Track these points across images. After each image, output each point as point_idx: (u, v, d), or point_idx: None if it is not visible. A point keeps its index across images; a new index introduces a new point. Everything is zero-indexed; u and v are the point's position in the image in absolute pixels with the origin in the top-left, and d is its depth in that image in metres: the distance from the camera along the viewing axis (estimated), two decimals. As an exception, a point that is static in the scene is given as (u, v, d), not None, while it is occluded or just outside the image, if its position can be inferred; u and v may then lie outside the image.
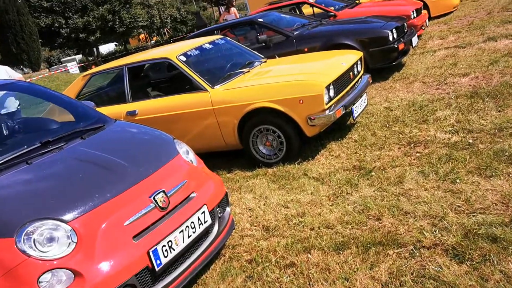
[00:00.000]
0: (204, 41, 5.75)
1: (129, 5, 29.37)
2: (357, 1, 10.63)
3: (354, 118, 5.03)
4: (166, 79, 6.21)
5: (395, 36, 6.87)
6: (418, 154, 4.18)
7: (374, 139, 4.83)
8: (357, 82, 5.43)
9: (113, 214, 2.68)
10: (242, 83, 5.02)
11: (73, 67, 40.29)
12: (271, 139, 4.90)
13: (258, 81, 5.00)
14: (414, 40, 7.26)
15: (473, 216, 3.03)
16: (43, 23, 26.59)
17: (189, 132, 5.21)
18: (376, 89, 6.63)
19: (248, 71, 5.37)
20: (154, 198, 2.84)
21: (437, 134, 4.49)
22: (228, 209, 3.46)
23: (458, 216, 3.09)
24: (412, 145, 4.44)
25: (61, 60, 48.74)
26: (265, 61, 5.81)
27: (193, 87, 5.13)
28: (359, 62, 5.54)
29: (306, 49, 7.08)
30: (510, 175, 3.40)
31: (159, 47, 7.24)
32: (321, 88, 4.52)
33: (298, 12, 10.79)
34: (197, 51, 5.51)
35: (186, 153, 3.41)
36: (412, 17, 8.98)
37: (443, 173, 3.69)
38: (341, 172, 4.27)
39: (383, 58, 6.81)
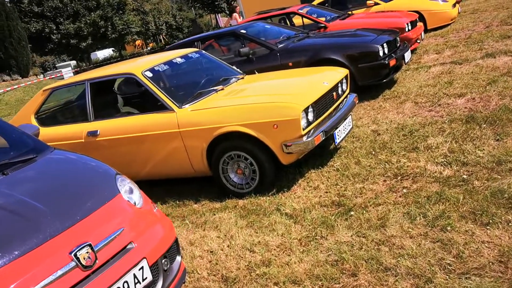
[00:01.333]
0: (175, 55, 5.24)
1: (122, 11, 28.90)
2: (350, 12, 10.16)
3: (336, 144, 4.52)
4: (132, 97, 5.70)
5: (386, 51, 6.38)
6: (405, 190, 3.67)
7: (357, 168, 4.32)
8: (341, 103, 4.94)
9: (21, 277, 2.16)
10: (212, 103, 4.52)
11: (68, 73, 39.72)
12: (243, 167, 4.39)
13: (230, 101, 4.50)
14: (407, 55, 6.78)
15: (466, 278, 2.51)
16: (33, 28, 26.09)
17: (154, 156, 4.71)
18: (364, 108, 6.13)
19: (222, 89, 4.87)
20: (75, 255, 2.32)
21: (427, 165, 3.98)
22: (178, 258, 2.94)
23: (448, 277, 2.57)
24: (399, 177, 3.93)
25: (56, 65, 48.38)
26: (243, 78, 5.32)
27: (159, 107, 4.63)
28: (344, 81, 5.05)
29: (290, 64, 6.59)
30: (510, 224, 2.89)
31: (128, 60, 6.73)
32: (298, 112, 4.01)
33: (288, 23, 10.34)
34: (166, 66, 5.00)
35: (128, 192, 2.89)
36: (407, 30, 8.51)
37: (432, 217, 3.18)
38: (317, 209, 3.76)
39: (372, 74, 6.32)
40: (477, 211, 3.08)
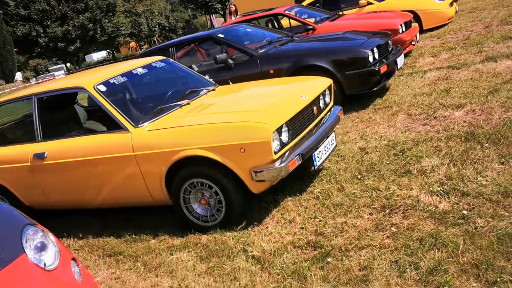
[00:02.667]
0: (135, 64, 4.63)
1: (112, 13, 28.22)
2: (340, 13, 9.56)
3: (316, 167, 3.91)
4: (85, 114, 5.09)
5: (376, 57, 5.77)
6: (393, 229, 3.06)
7: (340, 196, 3.71)
8: (324, 118, 4.34)
9: None
10: (173, 122, 3.91)
11: (61, 76, 39.18)
12: (207, 196, 3.78)
13: (192, 119, 3.89)
14: (400, 60, 6.17)
15: None
16: (19, 31, 25.43)
17: (108, 182, 4.11)
18: (352, 121, 5.52)
19: (188, 104, 4.27)
20: None
21: (421, 195, 3.37)
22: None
23: None
24: (387, 210, 3.32)
25: (49, 69, 47.81)
26: (214, 89, 4.71)
27: (113, 125, 4.02)
28: (327, 92, 4.45)
29: (271, 71, 5.98)
30: (523, 284, 2.28)
31: (86, 70, 6.11)
32: (268, 133, 3.40)
33: (276, 25, 9.74)
34: (124, 78, 4.39)
35: (39, 249, 2.29)
36: (400, 31, 7.91)
37: (425, 269, 2.57)
38: (290, 251, 3.15)
39: (361, 82, 5.71)
40: (481, 264, 2.48)
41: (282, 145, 3.59)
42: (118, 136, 3.94)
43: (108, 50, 41.79)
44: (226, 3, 37.18)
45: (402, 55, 6.38)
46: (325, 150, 4.07)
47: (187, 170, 3.75)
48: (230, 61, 6.21)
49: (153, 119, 3.99)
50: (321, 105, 4.32)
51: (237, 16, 11.41)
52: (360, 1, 10.79)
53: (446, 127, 4.48)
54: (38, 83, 35.97)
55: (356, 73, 5.64)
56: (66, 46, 26.35)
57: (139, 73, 4.54)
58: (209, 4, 35.78)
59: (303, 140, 3.88)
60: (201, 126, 3.69)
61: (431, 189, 3.42)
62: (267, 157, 3.46)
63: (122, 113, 3.98)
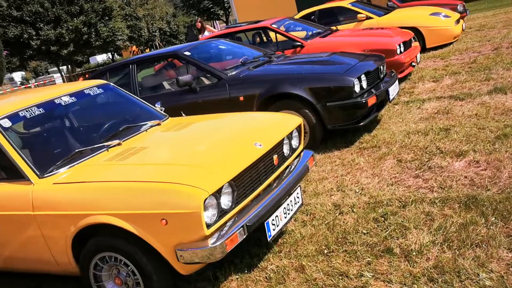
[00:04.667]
0: (61, 92, 3.75)
1: (108, 17, 27.39)
2: (334, 28, 8.67)
3: (269, 238, 3.01)
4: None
5: (364, 86, 4.87)
6: None
7: (297, 281, 2.81)
8: (288, 167, 3.45)
9: None
10: (88, 173, 3.04)
11: (59, 78, 38.41)
12: (124, 275, 2.89)
13: (112, 171, 3.02)
14: (393, 90, 5.26)
15: None
16: (11, 33, 24.64)
17: (6, 243, 3.22)
18: (332, 162, 4.61)
19: (119, 144, 3.39)
20: None
21: (401, 295, 2.46)
22: None
23: None
24: (354, 316, 2.41)
25: (49, 70, 47.17)
26: (158, 124, 3.83)
27: (13, 173, 3.14)
28: (295, 134, 3.56)
29: (241, 98, 5.10)
30: None
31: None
32: (198, 202, 2.51)
33: (265, 39, 8.86)
34: (41, 109, 3.51)
35: None
36: (398, 52, 7.03)
37: None
38: None
39: (345, 116, 4.81)
40: None
41: (221, 213, 2.70)
42: (18, 188, 3.06)
43: (109, 54, 41.06)
44: (229, 10, 36.65)
45: (396, 82, 5.47)
46: (285, 214, 3.17)
47: (96, 241, 2.86)
48: (195, 84, 5.33)
49: (66, 167, 3.12)
50: (285, 151, 3.44)
51: (206, 34, 10.53)
52: (358, 15, 9.93)
53: (442, 184, 3.57)
54: (38, 85, 35.22)
55: (339, 105, 4.74)
56: (59, 50, 25.48)
57: (63, 103, 3.65)
58: (211, 10, 35.12)
59: (254, 202, 2.99)
60: (115, 184, 2.80)
61: (416, 285, 2.51)
62: (196, 232, 2.57)
63: (24, 158, 3.10)
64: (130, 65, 5.79)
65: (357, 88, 4.75)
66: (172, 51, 5.70)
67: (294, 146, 3.59)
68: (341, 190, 3.92)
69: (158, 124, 3.84)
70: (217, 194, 2.66)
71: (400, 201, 3.46)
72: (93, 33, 26.26)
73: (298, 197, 3.37)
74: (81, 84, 3.98)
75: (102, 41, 27.06)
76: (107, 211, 2.72)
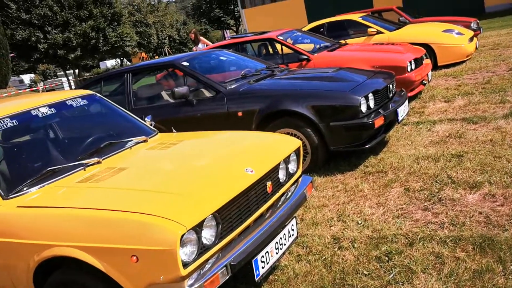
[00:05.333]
0: (39, 102, 3.45)
1: (118, 23, 27.27)
2: (343, 41, 8.36)
3: (257, 278, 2.66)
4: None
5: (371, 105, 4.54)
6: None
7: (286, 331, 2.46)
8: (285, 194, 3.12)
9: None
10: (58, 196, 2.73)
11: (67, 82, 38.32)
12: (91, 313, 2.55)
13: (83, 195, 2.70)
14: (402, 110, 4.92)
15: None
16: (19, 36, 24.57)
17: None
18: (334, 187, 4.27)
19: (98, 163, 3.08)
20: None
21: None
22: None
23: None
24: None
25: (57, 74, 47.23)
26: (145, 141, 3.52)
27: (-22, 192, 2.82)
28: (293, 158, 3.24)
29: (240, 113, 4.79)
30: None
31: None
32: (173, 238, 2.19)
33: (271, 50, 8.56)
34: (14, 121, 3.20)
35: None
36: (409, 69, 6.69)
37: None
38: None
39: (350, 137, 4.48)
40: None
41: (202, 249, 2.37)
42: (-21, 209, 2.74)
43: (118, 59, 41.03)
44: (240, 20, 36.61)
45: (406, 102, 5.13)
46: (277, 249, 2.83)
47: (61, 274, 2.53)
48: (192, 97, 5.03)
49: (35, 188, 2.81)
50: (281, 176, 3.11)
51: (200, 46, 10.19)
52: (368, 29, 9.62)
53: (454, 220, 3.21)
54: (45, 88, 35.20)
55: (343, 125, 4.41)
56: (66, 54, 25.37)
57: (40, 115, 3.35)
58: (222, 19, 35.03)
59: (242, 236, 2.66)
60: (84, 212, 2.47)
61: None
62: (171, 272, 2.24)
63: (-10, 177, 2.79)
64: (125, 74, 5.50)
65: (363, 108, 4.42)
66: (170, 61, 5.40)
67: (291, 171, 3.26)
68: (342, 220, 3.57)
69: (145, 141, 3.53)
70: (198, 228, 2.33)
71: (406, 238, 3.11)
72: (101, 38, 26.16)
73: (293, 229, 3.03)
74: (64, 94, 3.67)
75: (110, 46, 26.96)
76: (72, 242, 2.40)
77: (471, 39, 9.33)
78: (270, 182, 2.95)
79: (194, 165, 2.95)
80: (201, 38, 10.37)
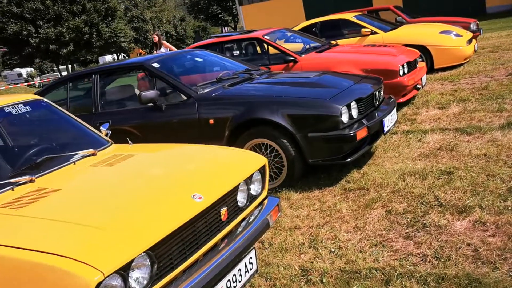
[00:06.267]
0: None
1: (112, 18, 26.78)
2: (334, 42, 7.94)
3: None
4: None
5: (354, 115, 4.14)
6: None
7: None
8: (245, 220, 2.72)
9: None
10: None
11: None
12: None
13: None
14: (389, 121, 4.50)
15: None
16: (10, 29, 24.11)
17: None
18: (309, 204, 3.86)
19: (31, 181, 2.68)
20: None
21: None
22: None
23: None
24: None
25: (54, 68, 46.85)
26: (93, 154, 3.12)
27: None
28: (256, 178, 2.86)
29: (211, 121, 4.38)
30: None
31: None
32: (87, 286, 1.78)
33: (259, 50, 8.14)
34: None
35: None
36: (401, 73, 6.29)
37: None
38: None
39: (329, 150, 4.07)
40: None
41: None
42: None
43: (123, 54, 40.54)
44: (238, 17, 36.19)
45: (394, 111, 4.72)
46: (230, 287, 2.43)
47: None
48: (162, 101, 4.62)
49: None
50: (241, 200, 2.71)
51: (162, 50, 9.74)
52: (362, 30, 9.21)
53: (438, 252, 2.81)
54: (42, 82, 34.70)
55: (322, 137, 4.00)
56: (58, 49, 24.91)
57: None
58: (219, 16, 34.60)
59: (184, 276, 2.25)
60: (-8, 248, 2.06)
61: None
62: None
63: None
64: (93, 75, 5.09)
65: (344, 118, 4.01)
66: (139, 61, 4.98)
67: (254, 193, 2.87)
68: (314, 247, 3.17)
69: (93, 154, 3.12)
70: (123, 271, 1.93)
71: (383, 273, 2.70)
72: (95, 33, 25.68)
73: (251, 263, 2.63)
74: (5, 100, 3.26)
75: (104, 41, 26.49)
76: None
77: (469, 41, 8.92)
78: (226, 208, 2.55)
79: (135, 188, 2.54)
80: (164, 42, 9.95)
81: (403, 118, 6.06)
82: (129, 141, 3.47)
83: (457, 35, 8.85)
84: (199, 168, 2.78)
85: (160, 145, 3.38)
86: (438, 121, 5.62)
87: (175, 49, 9.39)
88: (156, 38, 9.61)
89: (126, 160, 2.99)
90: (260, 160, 2.93)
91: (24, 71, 48.81)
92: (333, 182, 4.23)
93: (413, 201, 3.52)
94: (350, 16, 9.75)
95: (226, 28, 41.74)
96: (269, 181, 4.25)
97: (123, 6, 31.19)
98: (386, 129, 4.37)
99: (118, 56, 36.80)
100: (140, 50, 42.90)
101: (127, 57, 43.64)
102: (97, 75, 5.07)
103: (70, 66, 29.70)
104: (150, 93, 4.49)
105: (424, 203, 3.46)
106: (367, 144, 4.36)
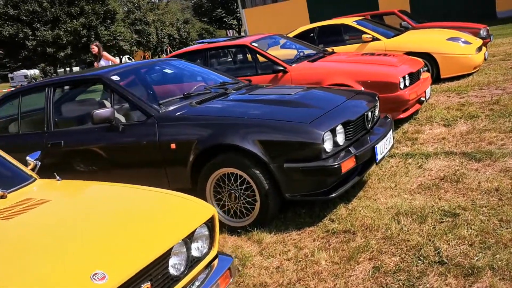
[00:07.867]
0: None
1: (111, 20, 26.23)
2: (330, 49, 7.26)
3: None
4: None
5: (340, 141, 3.46)
6: None
7: None
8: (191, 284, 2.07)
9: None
10: None
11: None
12: None
13: None
14: (382, 147, 3.80)
15: None
16: (6, 32, 23.63)
17: None
18: (283, 251, 3.19)
19: None
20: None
21: None
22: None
23: None
24: None
25: (58, 71, 46.85)
26: (3, 196, 2.47)
27: None
28: (202, 233, 2.22)
29: (173, 146, 3.71)
30: None
31: None
32: None
33: (250, 58, 7.48)
34: None
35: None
36: (402, 86, 5.60)
37: None
38: None
39: (309, 184, 3.39)
40: None
41: None
42: None
43: (128, 56, 40.05)
44: (241, 20, 35.69)
45: (390, 134, 4.03)
46: None
47: None
48: (120, 120, 3.98)
49: None
50: (176, 267, 2.05)
51: (102, 63, 8.99)
52: (363, 35, 8.52)
53: (435, 338, 2.12)
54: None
55: (301, 168, 3.32)
56: (55, 52, 24.40)
57: None
58: (224, 19, 34.04)
59: None
60: None
61: None
62: None
63: None
64: (46, 88, 4.45)
65: (328, 146, 3.33)
66: (97, 74, 4.33)
67: (198, 254, 2.21)
68: (280, 316, 2.49)
69: (2, 197, 2.48)
70: None
71: None
72: (93, 36, 25.13)
73: None
74: None
75: (102, 44, 25.90)
76: None
77: (479, 49, 8.20)
78: (149, 283, 1.89)
79: (22, 258, 1.88)
80: (104, 53, 9.10)
81: (403, 136, 5.37)
82: (57, 176, 2.82)
83: (466, 42, 8.14)
84: (119, 227, 2.11)
85: (89, 185, 2.72)
86: (442, 142, 4.92)
87: (117, 61, 8.68)
88: (96, 49, 8.83)
89: (35, 208, 2.33)
90: (207, 210, 2.27)
91: (28, 73, 48.56)
92: (314, 221, 3.55)
93: (408, 253, 2.84)
94: (350, 21, 9.08)
95: (230, 31, 41.24)
96: (240, 218, 3.59)
97: (126, 9, 30.66)
98: (379, 157, 3.68)
99: (120, 60, 36.29)
100: (145, 53, 42.41)
101: (132, 59, 43.23)
102: (51, 88, 4.43)
103: (68, 69, 29.19)
104: (105, 112, 3.84)
105: (421, 257, 2.77)
106: (356, 175, 3.67)
